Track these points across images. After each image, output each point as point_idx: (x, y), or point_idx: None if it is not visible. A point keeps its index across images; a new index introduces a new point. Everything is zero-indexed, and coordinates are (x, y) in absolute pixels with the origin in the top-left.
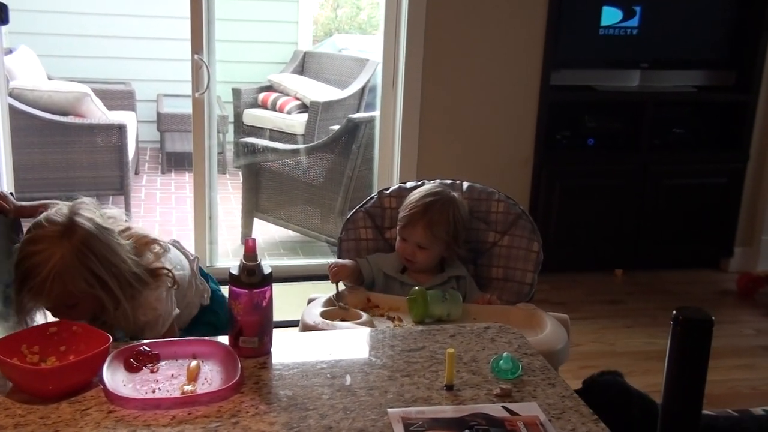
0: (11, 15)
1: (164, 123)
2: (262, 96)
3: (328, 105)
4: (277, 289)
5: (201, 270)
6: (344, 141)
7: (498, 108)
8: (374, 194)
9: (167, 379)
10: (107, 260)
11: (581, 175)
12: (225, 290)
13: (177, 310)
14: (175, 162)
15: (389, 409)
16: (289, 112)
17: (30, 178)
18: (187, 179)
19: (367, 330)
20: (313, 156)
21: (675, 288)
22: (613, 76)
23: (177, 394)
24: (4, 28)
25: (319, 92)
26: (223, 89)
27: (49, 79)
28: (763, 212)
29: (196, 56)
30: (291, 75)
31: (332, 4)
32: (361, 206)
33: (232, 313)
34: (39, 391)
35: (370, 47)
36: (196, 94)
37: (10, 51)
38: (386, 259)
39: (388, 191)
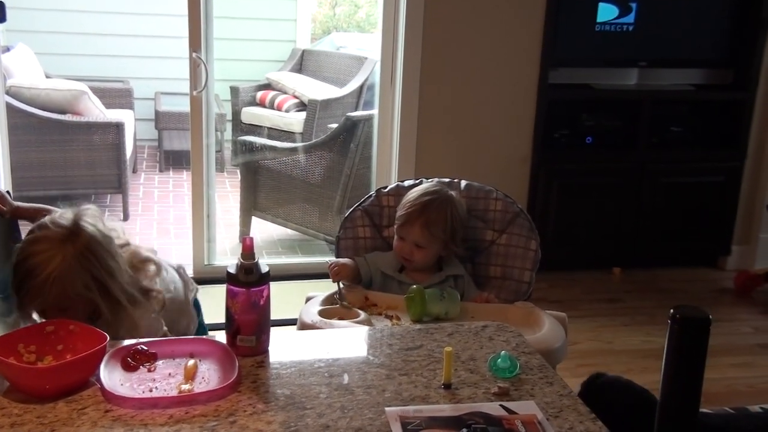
0: (9, 13)
1: (162, 121)
2: (260, 94)
3: (327, 103)
4: (275, 287)
5: (195, 301)
6: (342, 139)
7: (496, 106)
8: (372, 193)
9: (164, 378)
10: (108, 266)
11: (579, 173)
12: (223, 289)
13: (165, 328)
14: (173, 160)
15: (387, 408)
16: (287, 111)
17: (27, 176)
18: (185, 177)
19: (365, 329)
20: (311, 154)
21: (673, 286)
22: (611, 75)
23: (174, 393)
24: (1, 25)
25: (318, 90)
26: (221, 87)
27: (47, 77)
28: (760, 210)
29: (194, 54)
30: (289, 73)
31: (330, 2)
32: (359, 205)
33: (229, 311)
34: (36, 390)
35: (369, 45)
36: (194, 92)
37: (7, 49)
38: (384, 257)
39: (386, 190)
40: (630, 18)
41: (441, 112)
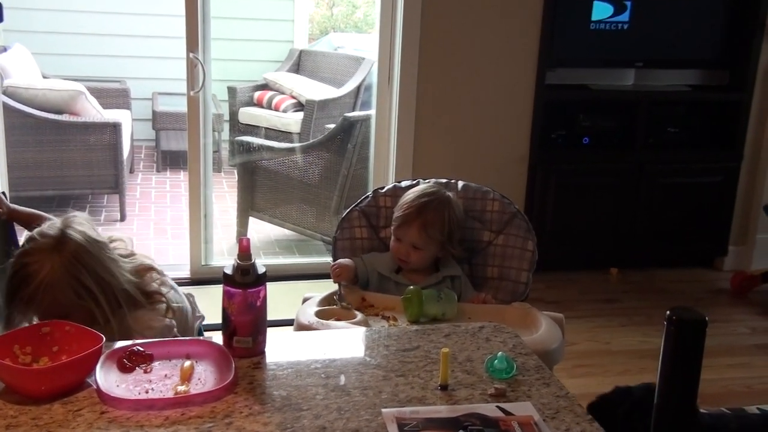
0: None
1: (159, 121)
2: (257, 94)
3: (324, 103)
4: (272, 287)
5: (200, 330)
6: (340, 140)
7: (493, 107)
8: (369, 193)
9: (160, 380)
10: (96, 273)
11: (576, 173)
12: (220, 289)
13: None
14: (170, 160)
15: (383, 409)
16: (284, 111)
17: (24, 176)
18: (182, 178)
19: (361, 330)
20: (308, 154)
21: (670, 287)
22: (608, 75)
23: (170, 394)
24: None
25: (315, 91)
26: (219, 87)
27: (44, 77)
28: (757, 211)
29: (191, 54)
30: (287, 73)
31: (328, 2)
32: (356, 205)
33: (226, 312)
34: (31, 391)
35: (366, 46)
36: (192, 93)
37: (4, 49)
38: (381, 258)
39: (383, 190)
40: (624, 17)
41: (438, 113)
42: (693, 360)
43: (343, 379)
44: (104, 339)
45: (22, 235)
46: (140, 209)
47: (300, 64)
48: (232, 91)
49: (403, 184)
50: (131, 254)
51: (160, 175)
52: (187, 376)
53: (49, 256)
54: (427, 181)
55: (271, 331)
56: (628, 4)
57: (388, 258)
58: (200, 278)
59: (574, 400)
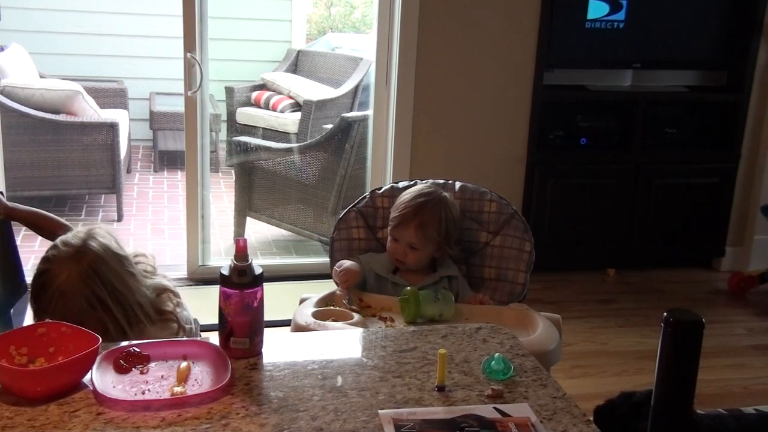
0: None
1: (157, 121)
2: (255, 94)
3: (322, 104)
4: (270, 288)
5: None
6: (337, 140)
7: (491, 107)
8: (366, 194)
9: (157, 381)
10: (112, 285)
11: (574, 174)
12: (217, 290)
13: None
14: (167, 160)
15: (380, 411)
16: (282, 111)
17: (21, 176)
18: (179, 178)
19: (358, 330)
20: (306, 155)
21: (667, 287)
22: (606, 76)
23: (167, 395)
24: None
25: (313, 91)
26: (216, 87)
27: (41, 76)
28: (754, 212)
29: (188, 54)
30: (284, 73)
31: (326, 2)
32: (354, 206)
33: (222, 313)
34: (27, 392)
35: (364, 46)
36: (189, 93)
37: (1, 48)
38: (378, 259)
39: (381, 191)
40: (620, 15)
41: (436, 113)
42: (690, 362)
43: (340, 380)
44: (101, 340)
45: (19, 235)
46: (137, 209)
47: (297, 64)
48: (229, 91)
49: (401, 184)
50: (154, 271)
51: (158, 175)
52: (183, 377)
53: (66, 265)
54: (424, 181)
55: (268, 332)
56: (624, 2)
57: (385, 259)
58: (197, 278)
59: (571, 402)
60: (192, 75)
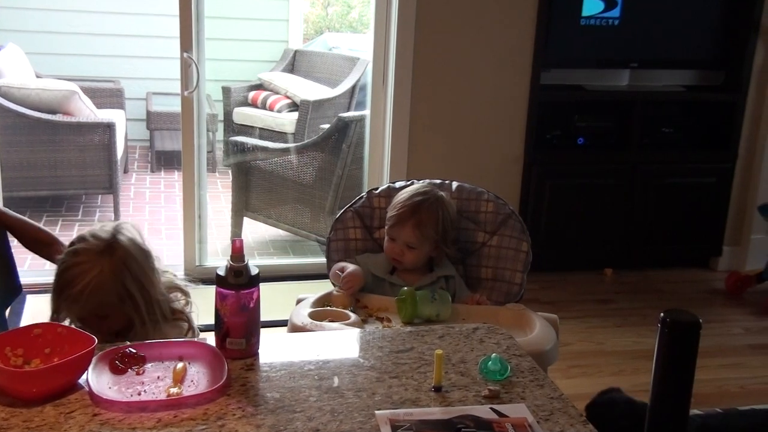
0: None
1: (153, 121)
2: (252, 94)
3: (319, 104)
4: (266, 288)
5: None
6: (334, 140)
7: (488, 107)
8: (363, 194)
9: (153, 382)
10: (140, 281)
11: (571, 174)
12: (214, 290)
13: None
14: (164, 160)
15: (377, 411)
16: (279, 111)
17: (17, 176)
18: (176, 178)
19: (355, 331)
20: (303, 155)
21: (664, 287)
22: (603, 76)
23: (163, 396)
24: None
25: (310, 91)
26: (213, 87)
27: (37, 77)
28: (751, 211)
29: (185, 54)
30: (281, 73)
31: (323, 2)
32: (350, 206)
33: (218, 314)
34: (22, 393)
35: (361, 46)
36: (186, 93)
37: None
38: (375, 259)
39: (378, 191)
40: (615, 12)
41: (433, 113)
42: (687, 362)
43: (336, 381)
44: (96, 341)
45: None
46: (134, 209)
47: (295, 64)
48: (226, 91)
49: (398, 184)
50: (164, 270)
51: (154, 175)
52: (179, 378)
53: (99, 259)
54: (421, 181)
55: (264, 333)
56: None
57: (382, 259)
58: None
59: (568, 402)
60: (189, 75)
